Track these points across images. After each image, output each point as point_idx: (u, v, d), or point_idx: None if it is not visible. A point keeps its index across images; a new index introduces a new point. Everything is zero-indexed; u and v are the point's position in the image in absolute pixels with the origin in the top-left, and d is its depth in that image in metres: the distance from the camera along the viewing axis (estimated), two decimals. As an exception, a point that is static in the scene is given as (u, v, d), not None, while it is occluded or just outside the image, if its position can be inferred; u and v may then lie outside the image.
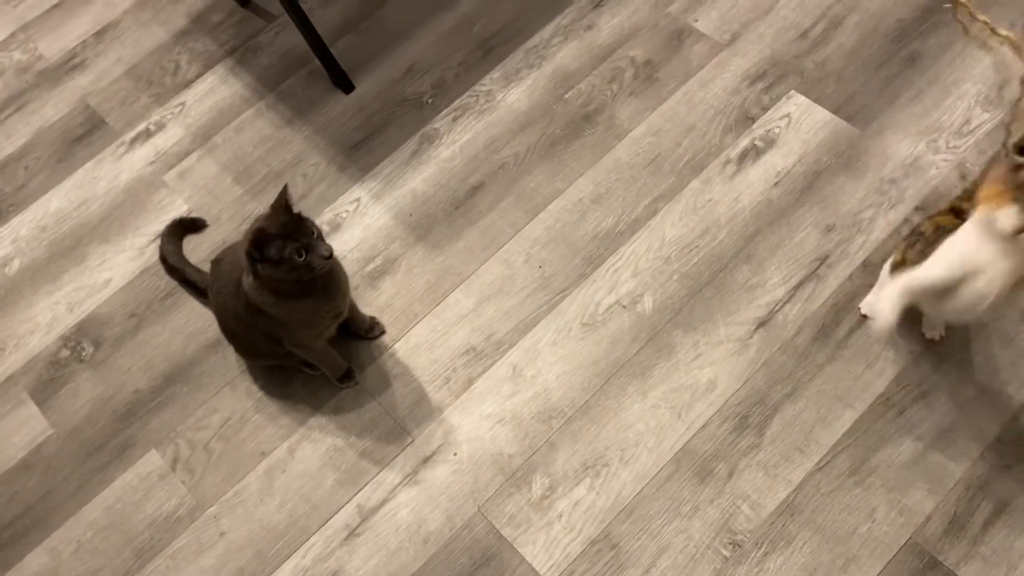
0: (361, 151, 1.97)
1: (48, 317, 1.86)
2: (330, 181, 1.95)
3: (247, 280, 1.45)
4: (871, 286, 1.65)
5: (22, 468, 1.70)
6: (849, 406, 1.56)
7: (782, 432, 1.56)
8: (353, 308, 1.69)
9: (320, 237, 1.40)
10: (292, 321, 1.50)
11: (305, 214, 1.40)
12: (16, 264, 1.94)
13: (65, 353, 1.81)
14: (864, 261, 1.68)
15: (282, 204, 1.38)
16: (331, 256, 1.39)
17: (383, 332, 1.75)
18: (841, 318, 1.64)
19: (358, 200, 1.91)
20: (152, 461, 1.68)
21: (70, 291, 1.89)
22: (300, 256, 1.36)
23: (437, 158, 1.94)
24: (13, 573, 1.60)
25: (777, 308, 1.67)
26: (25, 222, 2.00)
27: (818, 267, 1.69)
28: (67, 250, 1.94)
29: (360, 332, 1.73)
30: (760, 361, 1.62)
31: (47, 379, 1.79)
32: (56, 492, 1.67)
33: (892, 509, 1.47)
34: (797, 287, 1.68)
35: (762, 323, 1.66)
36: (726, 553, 1.47)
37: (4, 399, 1.77)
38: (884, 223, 1.72)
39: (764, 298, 1.68)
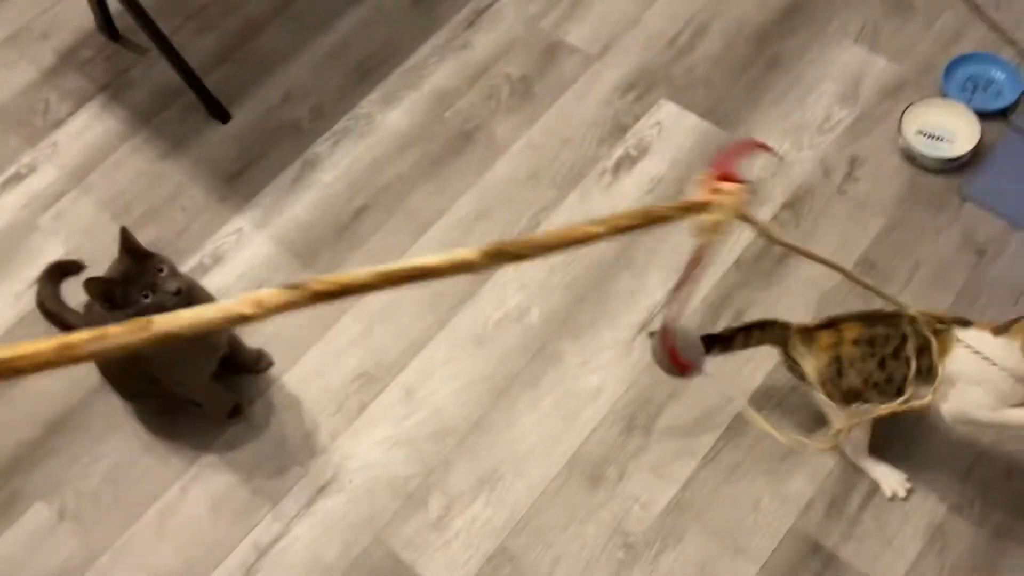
0: (241, 181, 1.95)
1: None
2: (211, 213, 1.92)
3: (119, 316, 1.42)
4: (744, 283, 1.71)
5: None
6: (731, 400, 1.61)
7: (668, 431, 1.60)
8: (237, 342, 1.67)
9: (173, 273, 1.38)
10: (166, 362, 1.47)
11: (159, 251, 1.40)
12: None
13: (-61, 410, 1.75)
14: (736, 260, 1.74)
15: (124, 247, 1.36)
16: (180, 292, 1.37)
17: (271, 364, 1.73)
18: (718, 315, 1.69)
19: (240, 230, 1.89)
20: (39, 514, 1.63)
21: (-57, 344, 1.82)
22: (146, 297, 1.34)
23: (319, 183, 1.94)
24: None
25: (657, 311, 1.71)
26: None
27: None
28: (-61, 301, 1.87)
29: (247, 366, 1.71)
30: (644, 363, 1.66)
31: (-80, 439, 1.72)
32: (-65, 556, 1.60)
33: (775, 499, 1.52)
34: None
35: (644, 326, 1.70)
36: (620, 555, 1.50)
37: None
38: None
39: (645, 302, 1.72)
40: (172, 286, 1.38)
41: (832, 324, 1.42)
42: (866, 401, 1.39)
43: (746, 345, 1.50)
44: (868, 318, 1.41)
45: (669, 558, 1.50)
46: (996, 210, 1.74)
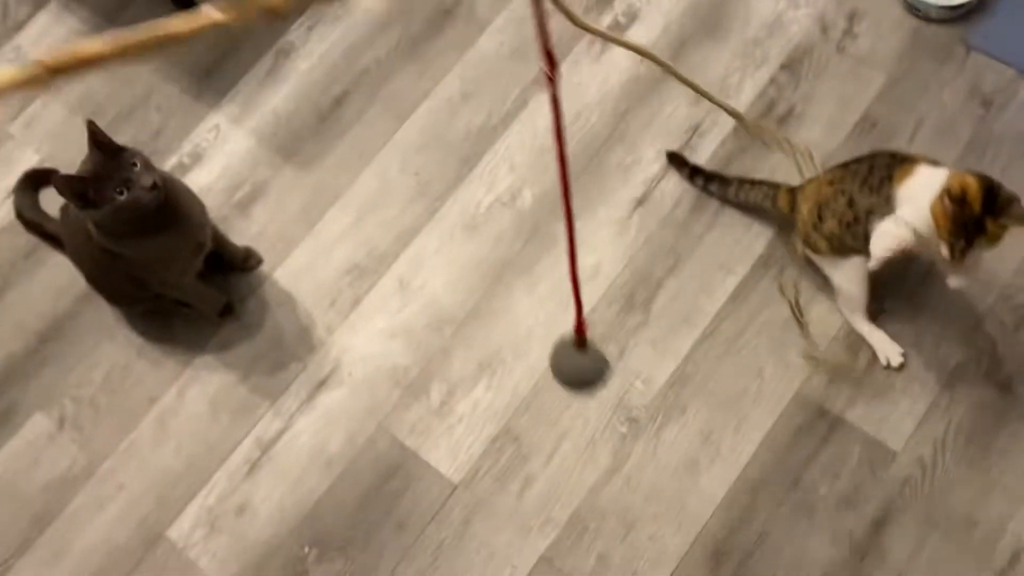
0: (214, 76, 1.87)
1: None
2: (185, 111, 1.85)
3: (91, 227, 1.38)
4: (743, 150, 1.65)
5: (-101, 451, 1.62)
6: (731, 272, 1.57)
7: (668, 306, 1.56)
8: (223, 240, 1.63)
9: (147, 167, 1.32)
10: (149, 261, 1.43)
11: (132, 144, 1.33)
12: None
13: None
14: (735, 126, 1.67)
15: (93, 142, 1.30)
16: (156, 186, 1.32)
17: (260, 262, 1.69)
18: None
19: (217, 127, 1.82)
20: (38, 424, 1.62)
21: (-77, 260, 1.78)
22: (121, 193, 1.29)
23: (296, 71, 1.85)
24: (-95, 557, 1.54)
25: (654, 184, 1.65)
26: None
27: (690, 137, 1.68)
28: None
29: (235, 264, 1.67)
30: (641, 239, 1.61)
31: (-88, 356, 1.69)
32: (-60, 470, 1.60)
33: (778, 366, 1.50)
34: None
35: (640, 201, 1.64)
36: (623, 430, 1.49)
37: None
38: (752, 85, 1.70)
39: (640, 176, 1.67)
40: (147, 180, 1.32)
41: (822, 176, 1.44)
42: (845, 246, 1.38)
43: (737, 195, 1.54)
44: (848, 162, 1.40)
45: (672, 430, 1.48)
46: (1004, 58, 1.65)
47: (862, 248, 1.34)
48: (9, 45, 1.98)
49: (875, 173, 1.33)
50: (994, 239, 1.23)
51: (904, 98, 1.66)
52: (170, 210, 1.38)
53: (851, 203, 1.34)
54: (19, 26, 2.00)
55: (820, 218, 1.38)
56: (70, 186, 1.31)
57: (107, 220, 1.33)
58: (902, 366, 1.46)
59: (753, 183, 1.54)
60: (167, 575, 1.49)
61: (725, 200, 1.58)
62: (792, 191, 1.48)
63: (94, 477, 1.57)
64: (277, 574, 1.48)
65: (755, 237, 1.58)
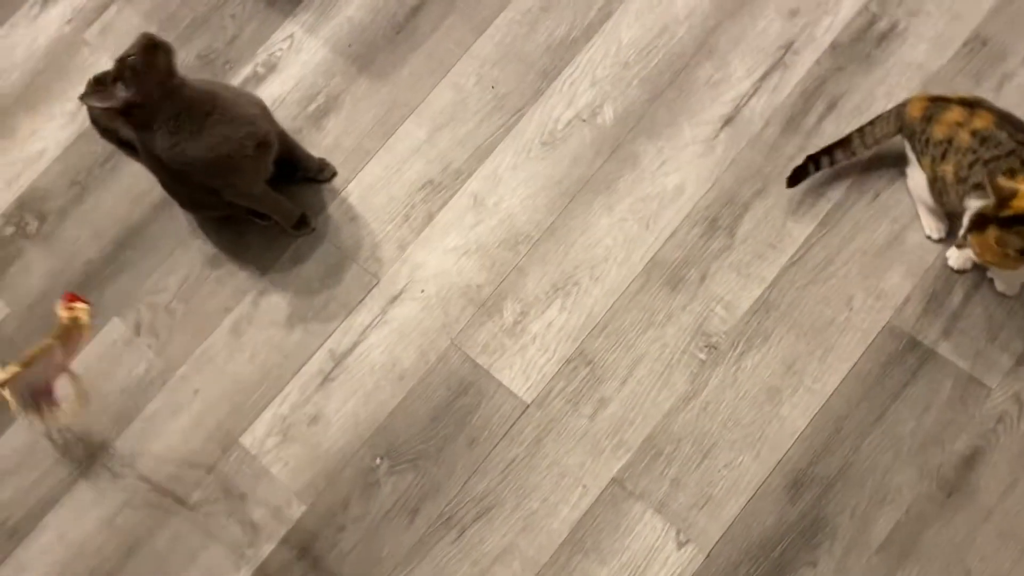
0: (289, -18, 1.83)
1: (-15, 197, 1.77)
2: (260, 19, 1.81)
3: (151, 136, 1.38)
4: (840, 68, 1.56)
5: (-16, 350, 1.66)
6: (821, 196, 1.50)
7: (753, 230, 1.50)
8: (295, 147, 1.61)
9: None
10: (219, 169, 1.42)
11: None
12: (-57, 144, 1.83)
13: (9, 230, 1.74)
14: (832, 43, 1.58)
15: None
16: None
17: (334, 174, 1.67)
18: (811, 106, 1.55)
19: (292, 36, 1.78)
20: (115, 329, 1.64)
21: (4, 166, 1.79)
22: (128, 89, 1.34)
23: (371, -19, 1.80)
24: (-8, 451, 1.59)
25: (743, 103, 1.58)
26: (-55, 99, 1.88)
27: (784, 55, 1.59)
28: (-6, 124, 1.84)
29: (310, 175, 1.65)
30: (728, 160, 1.55)
31: (-5, 259, 1.72)
32: (23, 370, 1.64)
33: (869, 295, 1.43)
34: (763, 78, 1.58)
35: (728, 120, 1.57)
36: (702, 356, 1.45)
37: (-47, 283, 1.71)
38: (851, 1, 1.60)
39: (729, 94, 1.59)
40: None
41: (970, 104, 1.31)
42: (943, 193, 1.32)
43: (865, 142, 1.42)
44: (1003, 118, 1.29)
45: (754, 358, 1.44)
46: None
47: (953, 203, 1.31)
48: None
49: (1009, 159, 1.24)
50: None
51: (1019, 16, 1.54)
52: (212, 107, 1.37)
53: (971, 166, 1.26)
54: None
55: (944, 156, 1.30)
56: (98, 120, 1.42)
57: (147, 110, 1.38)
58: (943, 238, 1.42)
59: (871, 122, 1.42)
60: (240, 480, 1.51)
61: (855, 157, 1.45)
62: (929, 100, 1.35)
63: (170, 382, 1.59)
64: (348, 484, 1.49)
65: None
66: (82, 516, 1.53)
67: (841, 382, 1.40)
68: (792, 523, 1.35)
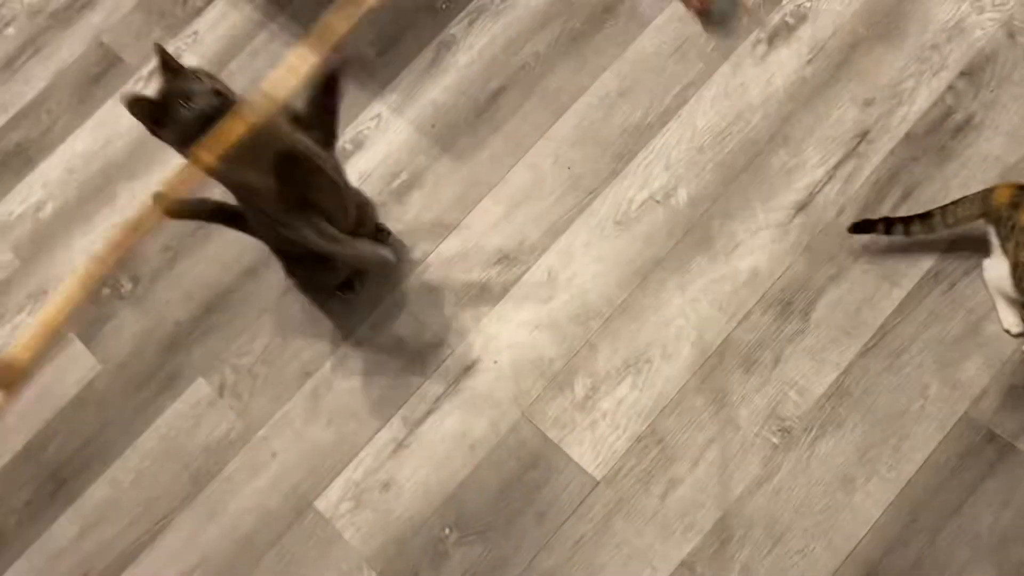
0: (377, 65, 1.92)
1: (85, 258, 1.88)
2: (350, 99, 1.90)
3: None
4: (915, 159, 1.58)
5: (77, 404, 1.74)
6: (896, 284, 1.51)
7: (828, 315, 1.51)
8: (371, 212, 1.67)
9: (209, 77, 1.30)
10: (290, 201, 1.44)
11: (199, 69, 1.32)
12: (49, 208, 1.95)
13: (106, 291, 1.83)
14: (907, 133, 1.60)
15: (162, 65, 1.29)
16: (218, 92, 1.27)
17: (391, 233, 1.74)
18: (885, 195, 1.57)
19: (379, 116, 1.87)
20: (200, 389, 1.71)
21: (103, 231, 1.90)
22: (184, 107, 1.25)
23: (456, 65, 1.89)
24: (78, 505, 1.65)
25: (817, 190, 1.60)
26: (53, 166, 2.00)
27: (858, 144, 1.62)
28: (97, 190, 1.95)
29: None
30: (802, 245, 1.57)
31: (91, 318, 1.81)
32: (111, 425, 1.71)
33: (945, 385, 1.43)
34: (837, 166, 1.61)
35: (802, 206, 1.60)
36: (775, 440, 1.45)
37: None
38: (927, 92, 1.63)
39: (803, 180, 1.62)
40: (206, 86, 1.28)
41: None
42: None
43: (945, 221, 1.43)
44: None
45: (828, 444, 1.44)
46: None
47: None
48: (187, 30, 2.10)
49: None
50: None
51: (1098, 110, 1.55)
52: (277, 148, 1.37)
53: None
54: (197, 12, 2.11)
55: None
56: (140, 107, 1.29)
57: (177, 135, 1.31)
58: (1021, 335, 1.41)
59: (955, 202, 1.43)
60: (313, 544, 1.55)
61: (932, 233, 1.46)
62: (1017, 188, 1.36)
63: (249, 443, 1.64)
64: (418, 552, 1.51)
65: (923, 250, 1.52)
66: (160, 572, 1.58)
67: (916, 472, 1.39)
68: (866, 615, 1.33)
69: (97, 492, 1.66)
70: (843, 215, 1.57)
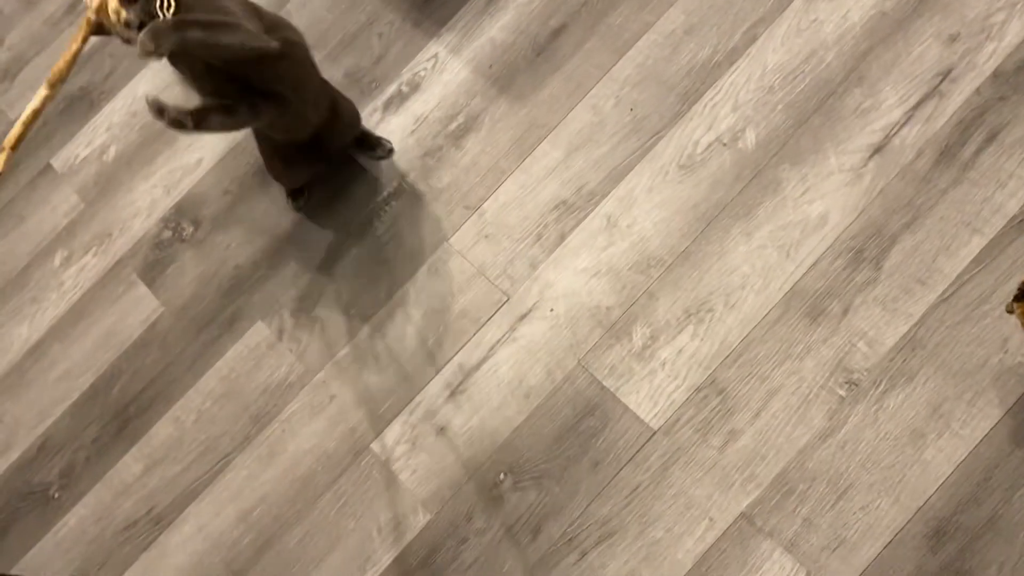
0: (434, 4, 1.88)
1: (147, 201, 1.90)
2: (406, 39, 1.87)
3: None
4: (1002, 98, 1.48)
5: (140, 345, 1.77)
6: (977, 231, 1.42)
7: (901, 264, 1.44)
8: (353, 117, 1.70)
9: None
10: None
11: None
12: (112, 151, 1.97)
13: (167, 234, 1.85)
14: (995, 71, 1.50)
15: None
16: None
17: (390, 152, 1.76)
18: (968, 136, 1.48)
19: (436, 56, 1.83)
20: (259, 332, 1.72)
21: (165, 173, 1.91)
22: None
23: (515, 2, 1.83)
24: (142, 443, 1.69)
25: (894, 132, 1.52)
26: (116, 109, 2.02)
27: (940, 82, 1.53)
28: (158, 134, 1.96)
29: (368, 155, 1.76)
30: (876, 190, 1.49)
31: (153, 260, 1.83)
32: (174, 366, 1.74)
33: (1027, 338, 1.36)
34: (916, 107, 1.52)
35: (877, 149, 1.52)
36: (841, 392, 1.40)
37: (116, 282, 1.84)
38: (1018, 26, 1.52)
39: (879, 122, 1.53)
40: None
41: None
42: None
43: None
44: None
45: (897, 398, 1.38)
46: None
47: None
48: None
49: None
50: None
51: None
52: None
53: None
54: None
55: None
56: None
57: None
58: None
59: None
60: (370, 485, 1.56)
61: None
62: None
63: (308, 386, 1.65)
64: (473, 497, 1.51)
65: (1009, 196, 1.43)
66: (221, 510, 1.61)
67: (992, 428, 1.33)
68: (932, 574, 1.29)
69: (161, 431, 1.70)
70: (921, 158, 1.49)
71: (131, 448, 1.69)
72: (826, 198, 1.51)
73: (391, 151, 1.77)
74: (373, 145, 1.76)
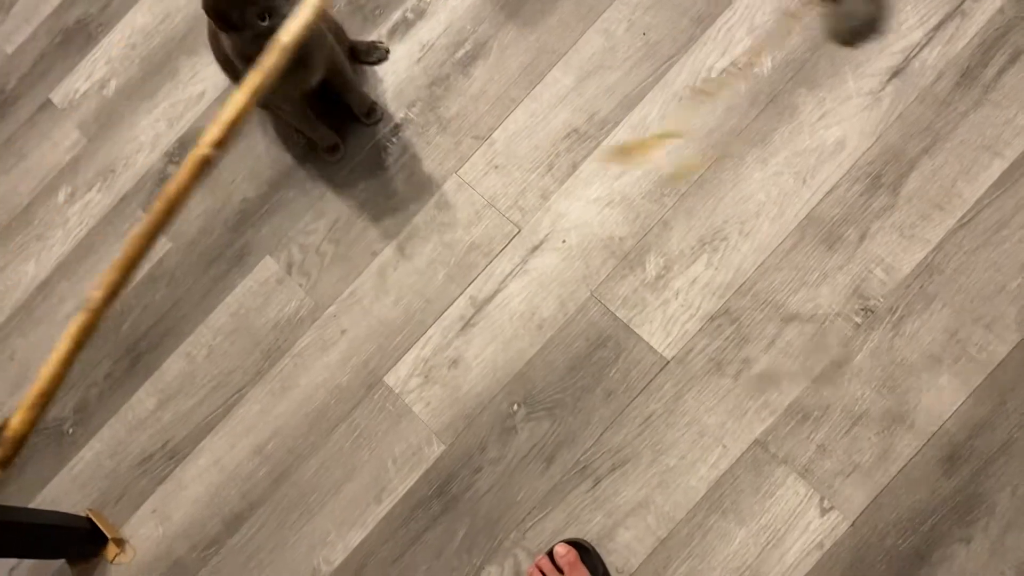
0: (439, -73, 1.82)
1: (151, 135, 1.86)
2: (410, -36, 1.82)
3: (228, 48, 1.40)
4: (1028, 17, 1.44)
5: (149, 281, 1.76)
6: (998, 155, 1.40)
7: (920, 189, 1.42)
8: (349, 85, 1.64)
9: None
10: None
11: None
12: (113, 85, 1.93)
13: (171, 169, 1.83)
14: (1020, -12, 1.46)
15: None
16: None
17: (380, 119, 1.71)
18: (990, 57, 1.44)
19: (441, -19, 1.78)
20: (268, 267, 1.71)
21: (167, 107, 1.88)
22: (263, 20, 1.27)
23: (522, -75, 1.77)
24: (155, 378, 1.69)
25: (914, 54, 1.48)
26: (114, 42, 1.97)
27: (963, 2, 1.48)
28: (159, 66, 1.92)
29: (358, 114, 1.70)
30: (894, 114, 1.46)
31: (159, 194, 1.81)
32: (183, 301, 1.73)
33: (1047, 263, 1.34)
34: (937, 27, 1.48)
35: (896, 72, 1.48)
36: (857, 320, 1.39)
37: (122, 218, 1.82)
38: (1046, -59, 1.47)
39: (898, 44, 1.49)
40: (288, 9, 1.27)
41: None
42: None
43: None
44: None
45: (913, 324, 1.37)
46: None
47: None
48: None
49: None
50: None
51: None
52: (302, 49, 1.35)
53: None
54: None
55: None
56: (216, 6, 1.29)
57: (248, 45, 1.32)
58: None
59: None
60: (384, 417, 1.56)
61: None
62: None
63: (319, 320, 1.65)
64: (486, 427, 1.51)
65: (1031, 117, 1.40)
66: (236, 443, 1.62)
67: (1009, 353, 1.32)
68: (946, 497, 1.30)
69: (173, 366, 1.70)
70: (941, 80, 1.45)
71: (144, 383, 1.69)
72: (843, 123, 1.48)
73: (387, 51, 1.74)
74: (368, 50, 1.73)
